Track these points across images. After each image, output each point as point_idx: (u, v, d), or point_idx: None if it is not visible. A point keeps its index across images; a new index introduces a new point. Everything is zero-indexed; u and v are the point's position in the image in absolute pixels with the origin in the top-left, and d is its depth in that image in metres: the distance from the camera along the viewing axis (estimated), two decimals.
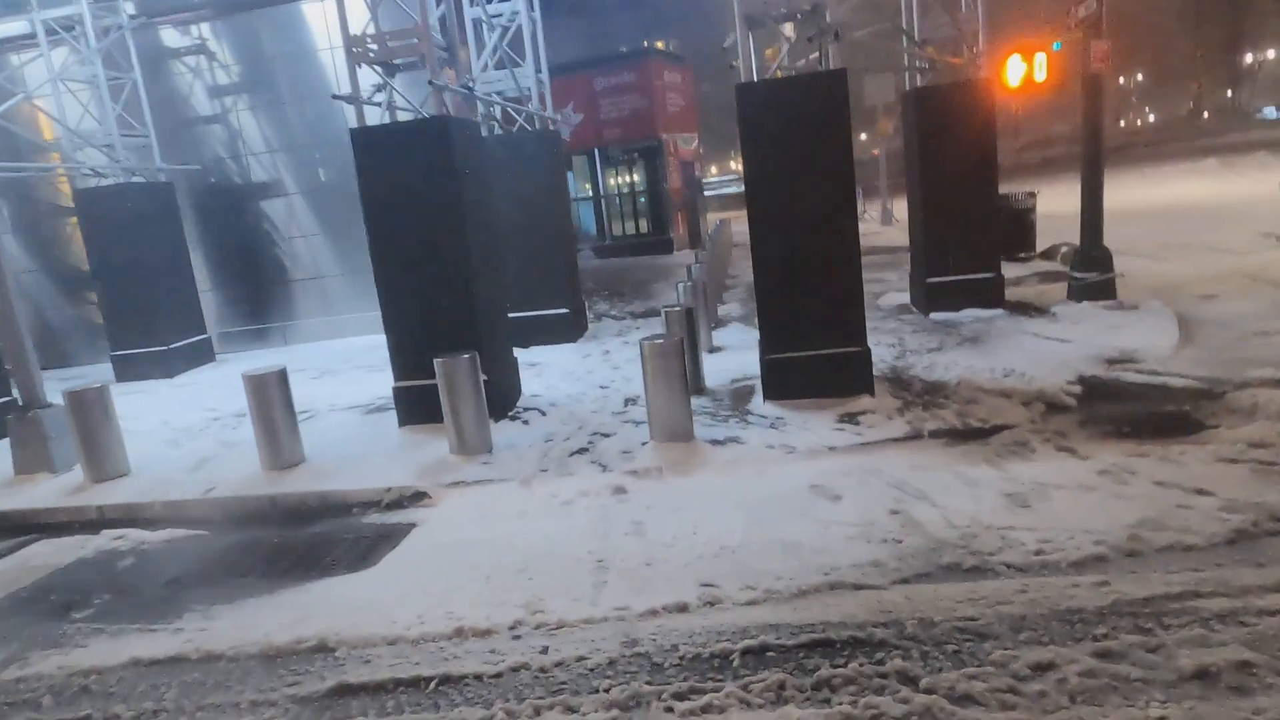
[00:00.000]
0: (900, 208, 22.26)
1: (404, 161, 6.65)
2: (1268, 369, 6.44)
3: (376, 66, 6.98)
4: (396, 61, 7.24)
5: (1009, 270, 11.44)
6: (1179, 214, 16.16)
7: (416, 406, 7.01)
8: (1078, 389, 6.59)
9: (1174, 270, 10.96)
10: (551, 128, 10.33)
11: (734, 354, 8.76)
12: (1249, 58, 71.26)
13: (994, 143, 9.05)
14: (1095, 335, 8.04)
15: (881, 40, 11.67)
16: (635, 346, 9.82)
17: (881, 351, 8.17)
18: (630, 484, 5.47)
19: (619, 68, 20.19)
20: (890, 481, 5.05)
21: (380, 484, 5.91)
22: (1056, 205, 17.61)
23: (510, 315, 10.21)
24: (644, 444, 6.09)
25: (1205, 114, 61.39)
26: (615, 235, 21.98)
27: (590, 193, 21.96)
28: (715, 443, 5.98)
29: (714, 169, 61.41)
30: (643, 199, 21.54)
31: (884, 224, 22.73)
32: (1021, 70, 8.99)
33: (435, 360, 6.19)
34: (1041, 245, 13.55)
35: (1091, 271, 9.16)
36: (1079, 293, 9.28)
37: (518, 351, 9.88)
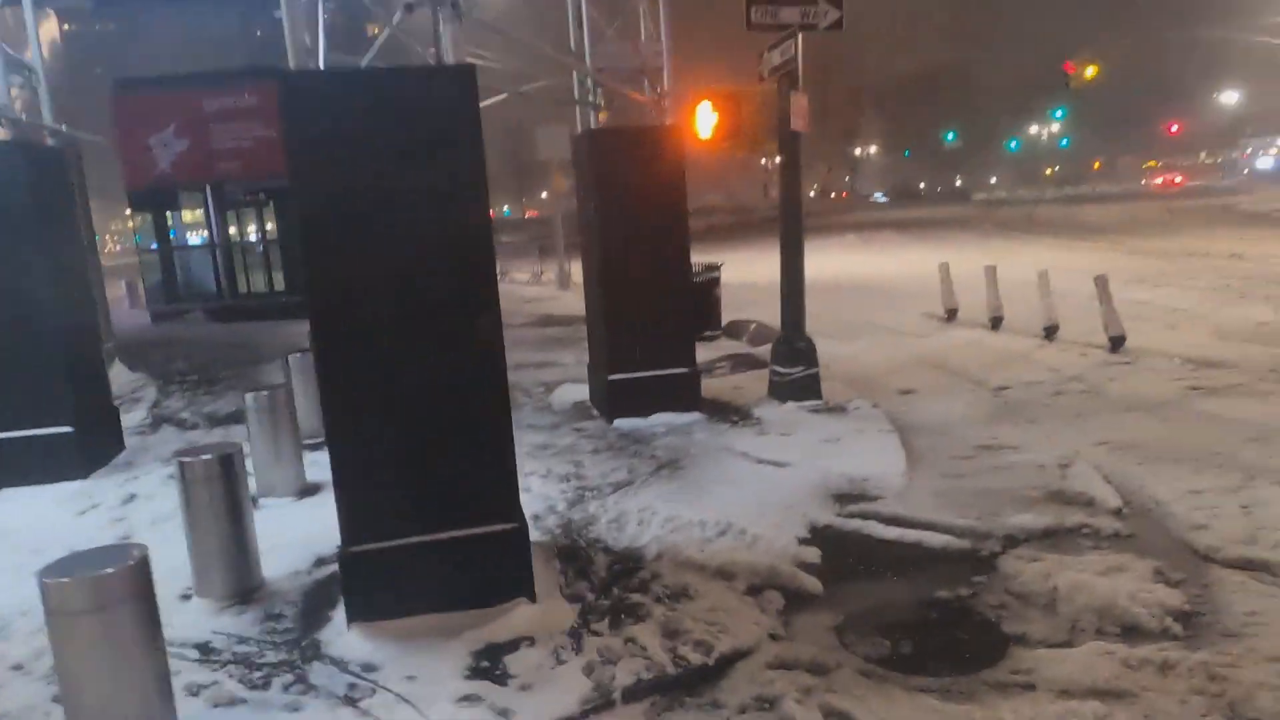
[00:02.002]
0: (580, 270, 20.81)
1: None
2: (1026, 514, 5.02)
3: None
4: None
5: (697, 352, 9.85)
6: (845, 289, 16.28)
7: None
8: (816, 554, 4.65)
9: (862, 356, 10.08)
10: (51, 143, 6.61)
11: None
12: (859, 150, 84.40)
13: (684, 203, 7.23)
14: (813, 453, 6.36)
15: (557, 88, 9.68)
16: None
17: (551, 491, 5.74)
18: None
19: (238, 87, 16.23)
20: None
21: None
22: (731, 275, 17.03)
23: None
24: None
25: (833, 195, 70.66)
26: (240, 293, 17.70)
27: (205, 239, 17.53)
28: None
29: None
30: (276, 249, 17.59)
31: (561, 288, 21.01)
32: (713, 120, 7.29)
33: None
34: (724, 319, 12.35)
35: (795, 366, 7.65)
36: (782, 390, 7.72)
37: None
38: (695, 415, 7.36)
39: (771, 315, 9.36)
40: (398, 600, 3.86)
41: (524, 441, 6.85)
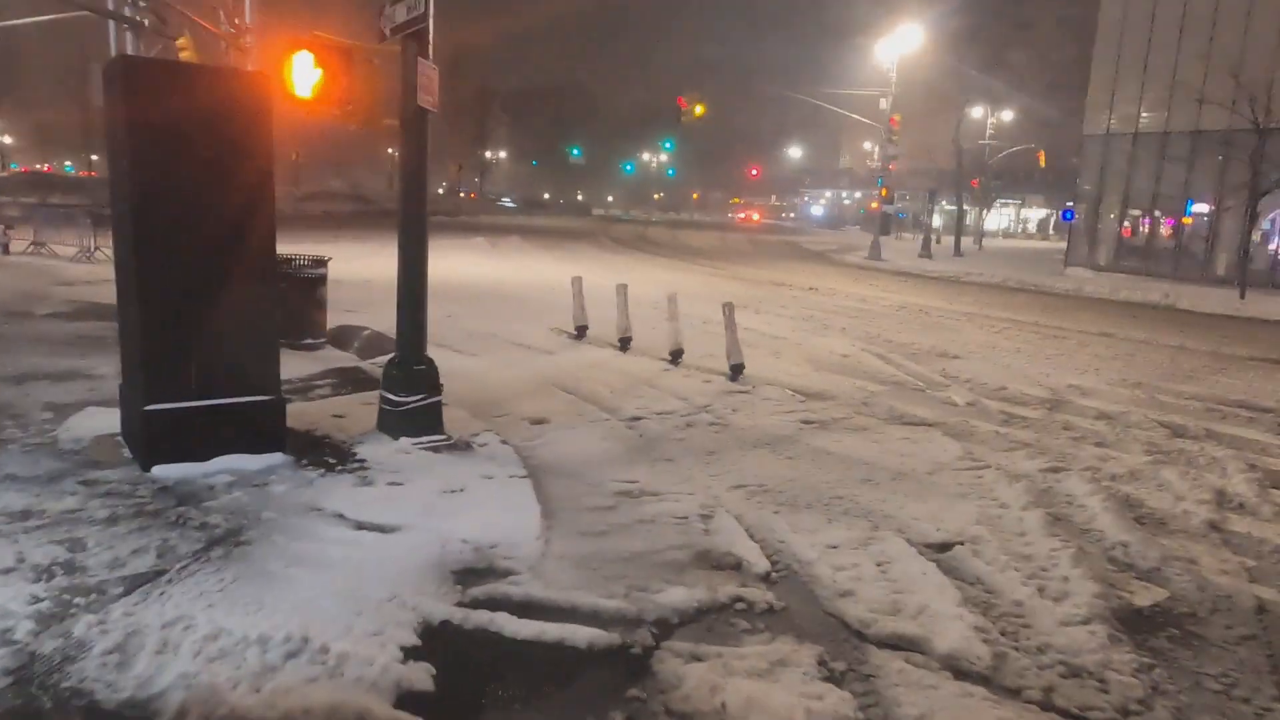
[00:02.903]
0: None
1: None
2: (677, 587, 4.34)
3: None
4: None
5: (293, 365, 7.97)
6: (472, 295, 15.19)
7: None
8: (428, 676, 3.41)
9: (489, 375, 9.04)
10: None
11: None
12: (489, 153, 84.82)
13: (269, 174, 5.43)
14: (431, 511, 5.07)
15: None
16: None
17: (16, 597, 3.68)
18: None
19: None
20: None
21: None
22: (344, 270, 15.08)
23: None
24: None
25: (463, 194, 69.77)
26: None
27: None
28: None
29: None
30: None
31: None
32: (316, 77, 5.66)
33: None
34: (331, 322, 10.46)
35: (413, 394, 6.29)
36: (395, 423, 6.31)
37: None
38: (276, 458, 5.60)
39: (389, 320, 7.91)
40: None
41: None
